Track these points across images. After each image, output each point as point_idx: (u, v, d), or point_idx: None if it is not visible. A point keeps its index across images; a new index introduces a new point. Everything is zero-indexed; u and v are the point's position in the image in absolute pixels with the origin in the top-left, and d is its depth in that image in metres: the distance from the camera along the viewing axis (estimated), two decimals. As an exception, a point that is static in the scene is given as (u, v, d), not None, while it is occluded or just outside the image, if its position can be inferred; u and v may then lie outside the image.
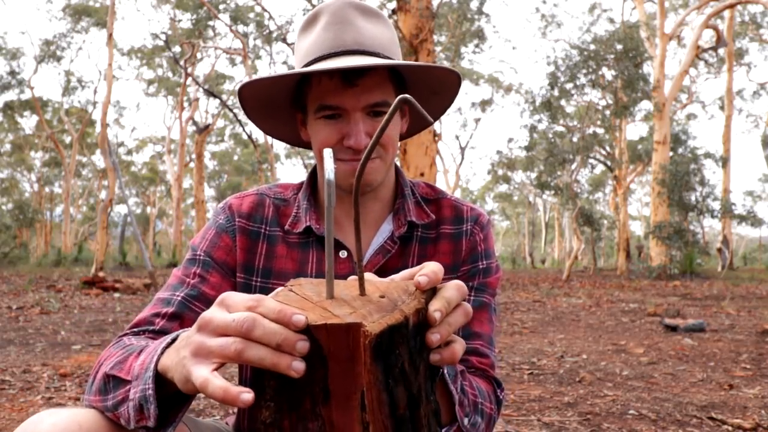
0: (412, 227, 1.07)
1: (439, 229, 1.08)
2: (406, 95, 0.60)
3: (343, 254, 1.03)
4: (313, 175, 1.12)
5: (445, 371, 0.84)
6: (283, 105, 1.07)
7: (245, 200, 1.09)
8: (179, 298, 0.99)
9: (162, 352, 0.73)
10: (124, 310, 7.22)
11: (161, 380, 0.72)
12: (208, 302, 0.98)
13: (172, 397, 0.74)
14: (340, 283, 0.69)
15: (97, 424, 0.80)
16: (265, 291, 1.03)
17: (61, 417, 0.77)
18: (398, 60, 1.03)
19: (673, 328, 5.69)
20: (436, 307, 0.62)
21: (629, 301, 8.89)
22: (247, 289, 1.05)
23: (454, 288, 0.66)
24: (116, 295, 9.22)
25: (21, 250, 22.32)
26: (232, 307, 0.62)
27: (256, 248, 1.05)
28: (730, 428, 2.69)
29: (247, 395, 0.58)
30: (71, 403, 3.03)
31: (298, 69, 1.00)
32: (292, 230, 1.06)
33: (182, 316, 0.97)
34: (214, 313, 0.63)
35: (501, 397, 1.03)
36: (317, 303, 0.63)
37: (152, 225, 41.18)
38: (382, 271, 1.02)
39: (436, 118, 1.15)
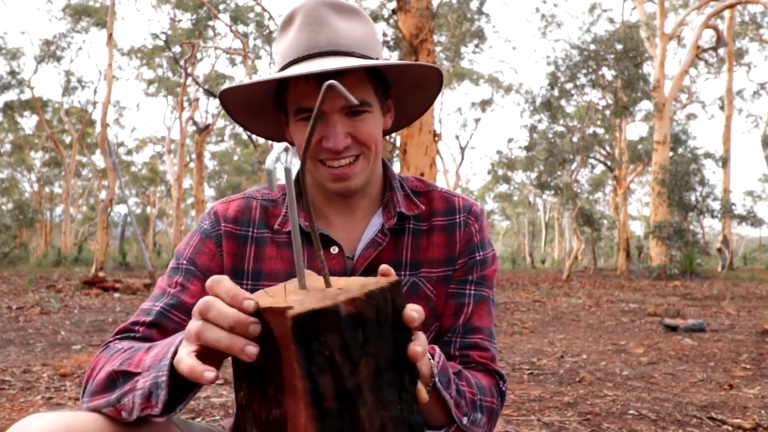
0: (403, 219, 1.07)
1: (431, 221, 1.08)
2: (332, 81, 0.61)
3: (333, 250, 1.04)
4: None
5: (437, 379, 0.85)
6: (268, 107, 1.08)
7: (231, 205, 1.09)
8: (158, 308, 1.00)
9: (179, 344, 0.75)
10: (124, 310, 7.23)
11: (173, 371, 0.74)
12: (186, 310, 1.00)
13: (179, 388, 0.76)
14: (317, 278, 0.71)
15: (85, 427, 0.80)
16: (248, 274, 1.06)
17: (48, 420, 0.78)
18: (376, 56, 1.02)
19: (673, 328, 5.69)
20: (413, 308, 0.65)
21: (629, 301, 8.89)
22: None
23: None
24: (116, 295, 9.22)
25: (21, 250, 22.32)
26: (209, 290, 0.67)
27: (245, 252, 1.05)
28: (730, 428, 2.69)
29: (209, 374, 0.63)
30: (71, 402, 3.03)
31: (274, 73, 1.01)
32: (281, 230, 1.06)
33: (160, 325, 0.99)
34: (201, 299, 0.67)
35: (504, 388, 1.04)
36: (288, 292, 0.65)
37: (152, 225, 41.17)
38: (375, 264, 1.03)
39: (422, 112, 1.15)
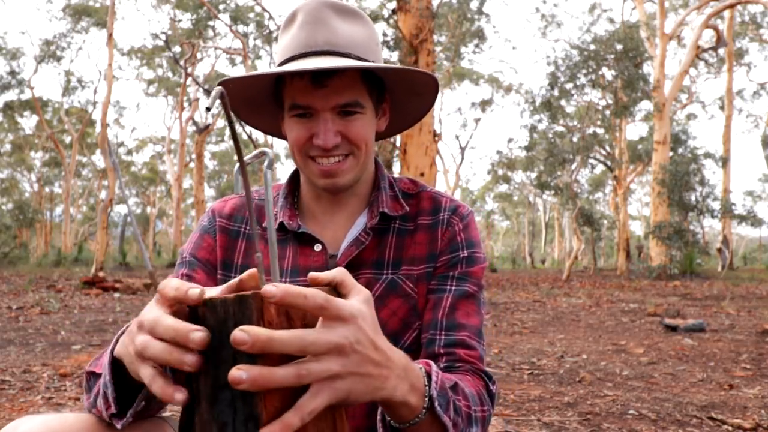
0: (388, 219, 1.08)
1: (417, 220, 1.09)
2: (220, 88, 0.59)
3: (317, 248, 1.06)
4: (295, 174, 1.15)
5: (437, 403, 0.80)
6: (265, 101, 1.10)
7: (228, 203, 1.14)
8: None
9: (116, 342, 0.75)
10: (124, 310, 7.22)
11: (120, 367, 0.73)
12: None
13: (130, 385, 0.75)
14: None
15: (71, 430, 0.80)
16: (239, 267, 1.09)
17: (34, 423, 0.79)
18: (373, 59, 1.04)
19: (673, 328, 5.70)
20: (246, 329, 0.57)
21: (629, 301, 8.90)
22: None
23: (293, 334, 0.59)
24: (116, 295, 9.22)
25: (21, 250, 22.32)
26: (160, 299, 0.62)
27: (236, 246, 1.09)
28: (730, 428, 2.69)
29: (179, 395, 0.59)
30: (71, 402, 3.03)
31: (270, 69, 1.03)
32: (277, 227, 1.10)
33: None
34: (145, 311, 0.63)
35: (493, 390, 1.00)
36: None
37: (152, 225, 41.19)
38: (357, 263, 1.04)
39: (419, 118, 1.16)
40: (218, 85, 1.01)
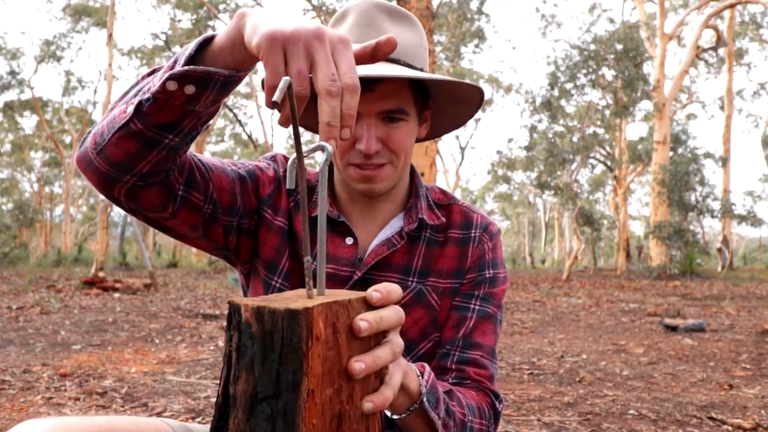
0: (421, 227, 1.07)
1: (447, 232, 1.09)
2: (287, 78, 0.59)
3: (349, 240, 1.05)
4: (331, 165, 1.14)
5: (425, 399, 0.83)
6: (311, 101, 1.09)
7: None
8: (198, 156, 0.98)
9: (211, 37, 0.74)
10: (124, 310, 7.22)
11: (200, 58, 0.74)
12: (205, 190, 0.95)
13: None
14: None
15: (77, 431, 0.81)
16: (285, 232, 1.06)
17: (40, 428, 0.79)
18: (421, 65, 1.03)
19: (673, 328, 5.70)
20: (364, 318, 0.62)
21: (629, 301, 8.90)
22: (263, 219, 1.05)
23: (394, 310, 0.67)
24: (116, 295, 9.22)
25: (21, 250, 22.30)
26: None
27: (288, 208, 1.08)
28: (730, 428, 2.69)
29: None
30: (71, 402, 3.03)
31: None
32: (310, 214, 1.08)
33: (191, 160, 0.94)
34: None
35: (499, 409, 1.03)
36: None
37: (152, 225, 41.14)
38: (384, 264, 1.04)
39: (458, 126, 1.16)
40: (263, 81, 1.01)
